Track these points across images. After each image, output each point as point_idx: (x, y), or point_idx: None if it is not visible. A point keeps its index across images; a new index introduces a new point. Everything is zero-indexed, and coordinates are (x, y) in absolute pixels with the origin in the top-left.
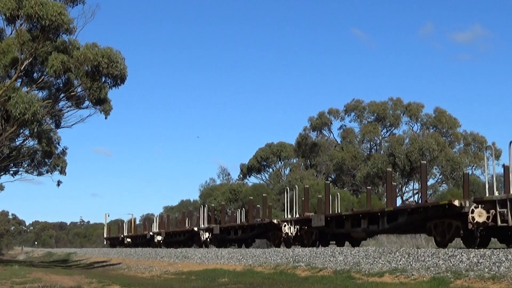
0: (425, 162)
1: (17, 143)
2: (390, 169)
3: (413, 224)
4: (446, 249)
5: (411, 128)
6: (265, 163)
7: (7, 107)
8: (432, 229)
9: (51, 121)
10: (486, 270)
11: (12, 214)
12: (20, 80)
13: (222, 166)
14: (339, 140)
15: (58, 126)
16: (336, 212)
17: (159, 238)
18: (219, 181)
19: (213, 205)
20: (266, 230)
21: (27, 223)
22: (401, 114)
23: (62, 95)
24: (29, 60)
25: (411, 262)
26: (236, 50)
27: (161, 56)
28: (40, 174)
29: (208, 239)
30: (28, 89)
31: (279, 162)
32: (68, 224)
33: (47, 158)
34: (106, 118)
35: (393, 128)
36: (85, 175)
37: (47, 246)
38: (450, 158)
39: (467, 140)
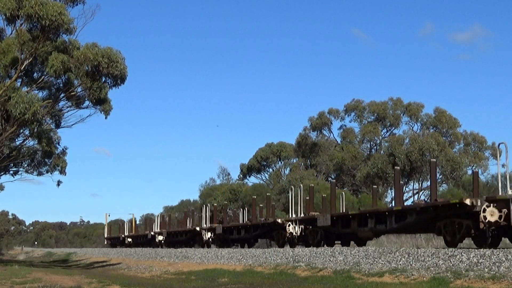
0: (434, 160)
1: (17, 143)
2: (398, 168)
3: (422, 224)
4: (446, 249)
5: (411, 128)
6: (265, 163)
7: (7, 107)
8: (442, 229)
9: (51, 121)
10: (486, 270)
11: (12, 214)
12: (20, 80)
13: (222, 166)
14: (339, 140)
15: (58, 126)
16: (340, 211)
17: (160, 238)
18: (219, 181)
19: (215, 204)
20: (270, 230)
21: (27, 223)
22: (401, 114)
23: (62, 95)
24: (29, 60)
25: (411, 262)
26: (236, 50)
27: (161, 56)
28: (40, 174)
29: (210, 239)
30: (28, 89)
31: (279, 162)
32: (68, 224)
33: (47, 158)
34: (106, 118)
35: (393, 128)
36: (85, 175)
37: (47, 246)
38: (450, 158)
39: (467, 140)
